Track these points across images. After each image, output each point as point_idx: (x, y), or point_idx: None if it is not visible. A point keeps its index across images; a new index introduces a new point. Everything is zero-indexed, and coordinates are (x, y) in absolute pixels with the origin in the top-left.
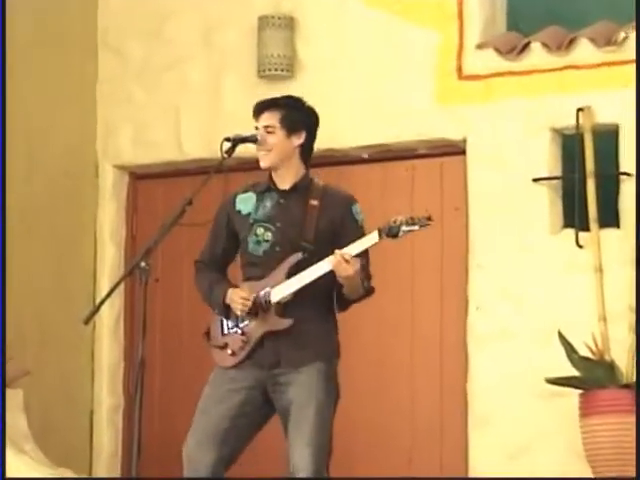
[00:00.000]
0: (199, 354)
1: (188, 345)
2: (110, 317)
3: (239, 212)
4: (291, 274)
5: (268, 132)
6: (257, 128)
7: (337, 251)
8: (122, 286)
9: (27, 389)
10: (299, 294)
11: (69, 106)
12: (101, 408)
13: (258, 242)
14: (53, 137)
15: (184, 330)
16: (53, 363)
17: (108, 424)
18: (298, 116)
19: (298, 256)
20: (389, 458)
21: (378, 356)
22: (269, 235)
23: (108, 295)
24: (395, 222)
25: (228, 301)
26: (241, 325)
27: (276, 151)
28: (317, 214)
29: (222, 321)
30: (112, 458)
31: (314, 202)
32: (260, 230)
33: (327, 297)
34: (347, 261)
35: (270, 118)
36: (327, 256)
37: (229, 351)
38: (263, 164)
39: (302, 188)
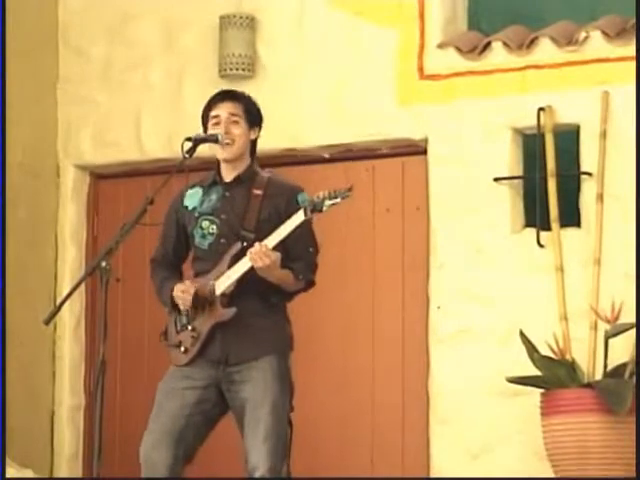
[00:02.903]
0: (160, 354)
1: (149, 345)
2: (71, 317)
3: (186, 208)
4: (232, 265)
5: (233, 121)
6: (216, 116)
7: (257, 243)
8: (83, 286)
9: None
10: (244, 286)
11: (30, 106)
12: (62, 408)
13: (203, 235)
14: (13, 136)
15: (145, 330)
16: (14, 363)
17: (69, 424)
18: (256, 111)
19: (238, 246)
20: (351, 457)
21: (339, 355)
22: (214, 228)
23: (69, 295)
24: (318, 197)
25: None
26: (192, 322)
27: (239, 143)
28: (260, 203)
29: (176, 319)
30: (73, 458)
31: (257, 191)
32: (205, 223)
33: (274, 288)
34: (264, 253)
35: (235, 108)
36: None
37: (182, 348)
38: (227, 155)
39: (246, 179)
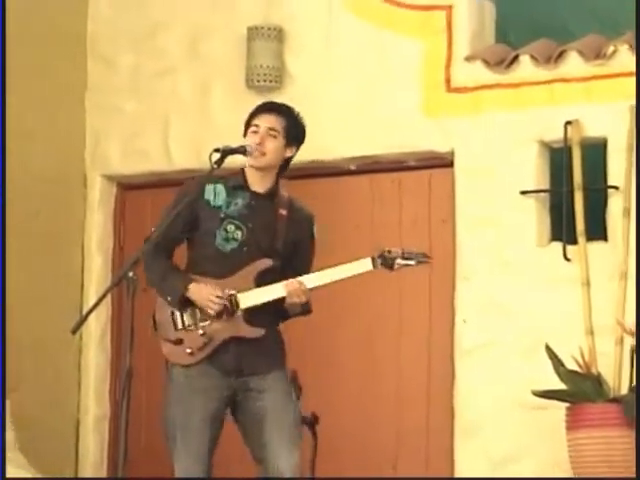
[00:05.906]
0: None
1: None
2: (97, 327)
3: (208, 202)
4: (258, 280)
5: (271, 135)
6: (256, 126)
7: (293, 280)
8: (109, 296)
9: (13, 398)
10: (263, 305)
11: (57, 115)
12: (87, 418)
13: (227, 239)
14: (41, 146)
15: None
16: (40, 372)
17: (94, 434)
18: (298, 131)
19: (267, 262)
20: (374, 467)
21: (365, 367)
22: (239, 234)
23: (96, 305)
24: (390, 252)
25: (194, 297)
26: (201, 324)
27: (272, 156)
28: (286, 225)
29: (174, 314)
30: (98, 467)
31: (283, 212)
32: (231, 227)
33: (278, 307)
34: (303, 292)
35: (276, 122)
36: (286, 268)
37: (187, 350)
38: (255, 163)
39: (271, 195)
